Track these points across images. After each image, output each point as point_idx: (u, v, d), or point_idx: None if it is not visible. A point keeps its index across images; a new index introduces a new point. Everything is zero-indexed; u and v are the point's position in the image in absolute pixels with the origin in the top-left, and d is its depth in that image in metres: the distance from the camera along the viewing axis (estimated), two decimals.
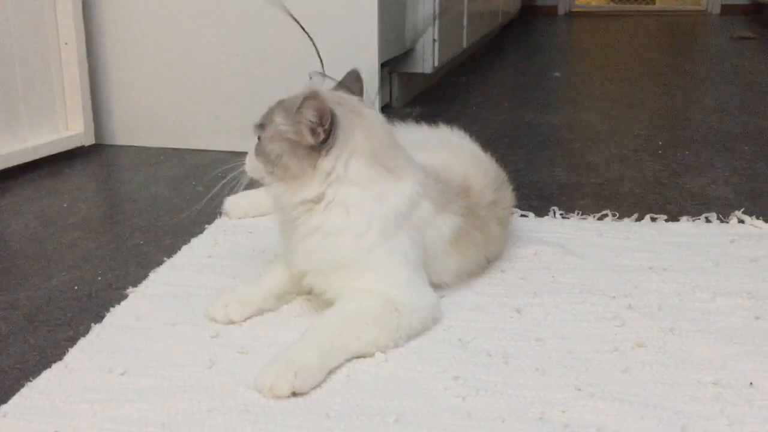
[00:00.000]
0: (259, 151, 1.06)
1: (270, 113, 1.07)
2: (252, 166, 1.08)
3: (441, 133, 1.41)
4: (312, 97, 1.01)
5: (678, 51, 4.25)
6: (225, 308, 1.09)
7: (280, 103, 1.07)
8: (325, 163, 1.03)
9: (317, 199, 1.04)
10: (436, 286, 1.15)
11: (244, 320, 1.10)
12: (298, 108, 1.02)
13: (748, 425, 0.86)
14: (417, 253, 1.09)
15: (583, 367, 0.98)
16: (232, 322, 1.09)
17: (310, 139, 1.02)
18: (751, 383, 0.93)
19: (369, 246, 1.04)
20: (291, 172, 1.04)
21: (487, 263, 1.26)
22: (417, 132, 1.42)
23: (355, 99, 1.11)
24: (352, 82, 1.14)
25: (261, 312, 1.11)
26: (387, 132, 1.10)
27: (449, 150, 1.30)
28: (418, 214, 1.09)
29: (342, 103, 1.07)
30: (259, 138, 1.08)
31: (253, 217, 1.53)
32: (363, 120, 1.07)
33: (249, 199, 1.54)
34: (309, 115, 1.01)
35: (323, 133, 1.02)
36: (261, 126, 1.07)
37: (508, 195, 1.31)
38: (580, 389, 0.92)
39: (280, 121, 1.05)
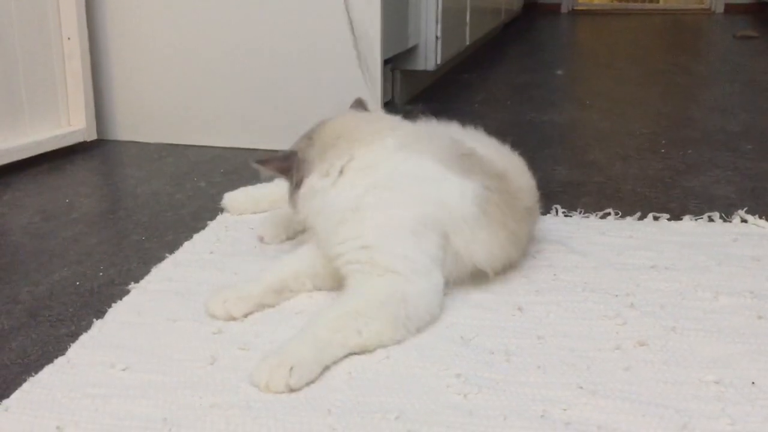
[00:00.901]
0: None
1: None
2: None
3: (490, 139, 1.37)
4: (260, 163, 1.17)
5: (681, 50, 4.24)
6: (224, 304, 1.09)
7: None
8: (306, 183, 1.15)
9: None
10: (472, 272, 1.15)
11: (244, 316, 1.10)
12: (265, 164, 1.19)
13: (750, 424, 0.85)
14: (423, 219, 1.08)
15: (585, 365, 0.98)
16: (232, 318, 1.09)
17: (291, 183, 1.17)
18: (753, 382, 0.93)
19: (361, 203, 1.09)
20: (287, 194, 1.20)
21: (518, 256, 1.24)
22: (465, 130, 1.39)
23: (333, 116, 1.20)
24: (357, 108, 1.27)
25: (261, 308, 1.12)
26: (359, 117, 1.19)
27: (496, 150, 1.30)
28: (420, 173, 1.11)
29: (308, 134, 1.19)
30: None
31: (253, 213, 1.52)
32: (325, 126, 1.18)
33: (247, 195, 1.54)
34: (271, 167, 1.18)
35: (294, 176, 1.16)
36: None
37: (538, 212, 1.33)
38: (581, 387, 0.92)
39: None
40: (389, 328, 1.01)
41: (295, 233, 1.41)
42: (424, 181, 1.11)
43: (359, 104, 1.27)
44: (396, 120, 1.22)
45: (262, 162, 1.17)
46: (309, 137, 1.18)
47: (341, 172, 1.11)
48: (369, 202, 1.09)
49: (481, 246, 1.14)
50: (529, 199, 1.25)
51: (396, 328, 1.01)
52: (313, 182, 1.13)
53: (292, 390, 0.91)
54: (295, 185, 1.15)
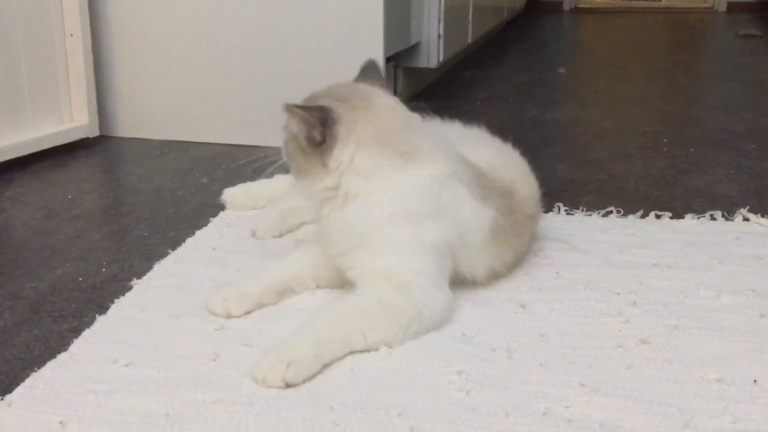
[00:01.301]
0: (284, 152, 1.14)
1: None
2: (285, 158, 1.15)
3: (492, 139, 1.36)
4: (290, 111, 1.06)
5: (684, 48, 4.24)
6: (224, 302, 1.09)
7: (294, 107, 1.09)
8: (330, 160, 1.07)
9: (335, 188, 1.08)
10: (465, 282, 1.15)
11: (244, 314, 1.09)
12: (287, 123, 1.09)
13: (752, 422, 0.85)
14: (445, 241, 1.08)
15: (587, 363, 0.98)
16: (231, 316, 1.08)
17: (306, 145, 1.07)
18: (755, 381, 0.93)
19: (384, 227, 1.06)
20: (303, 169, 1.10)
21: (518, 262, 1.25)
22: (467, 130, 1.38)
23: (368, 89, 1.12)
24: (369, 72, 1.19)
25: (260, 307, 1.11)
26: (401, 118, 1.11)
27: (499, 155, 1.27)
28: (450, 197, 1.09)
29: (349, 97, 1.08)
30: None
31: (252, 209, 1.52)
32: (369, 111, 1.08)
33: (247, 191, 1.54)
34: (294, 129, 1.07)
35: (319, 135, 1.06)
36: (285, 127, 1.12)
37: (540, 212, 1.32)
38: (584, 385, 0.92)
39: (289, 127, 1.10)
40: (397, 337, 1.01)
41: (290, 229, 1.41)
42: (453, 207, 1.09)
43: (373, 68, 1.20)
44: (431, 131, 1.16)
45: (292, 108, 1.06)
46: (346, 101, 1.08)
47: (376, 178, 1.07)
48: (397, 220, 1.06)
49: (484, 265, 1.15)
50: (531, 206, 1.25)
51: (403, 337, 1.01)
52: (344, 162, 1.06)
53: (288, 385, 0.91)
54: (319, 143, 1.06)
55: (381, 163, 1.07)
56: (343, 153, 1.06)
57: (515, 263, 1.23)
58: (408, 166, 1.07)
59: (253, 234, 1.39)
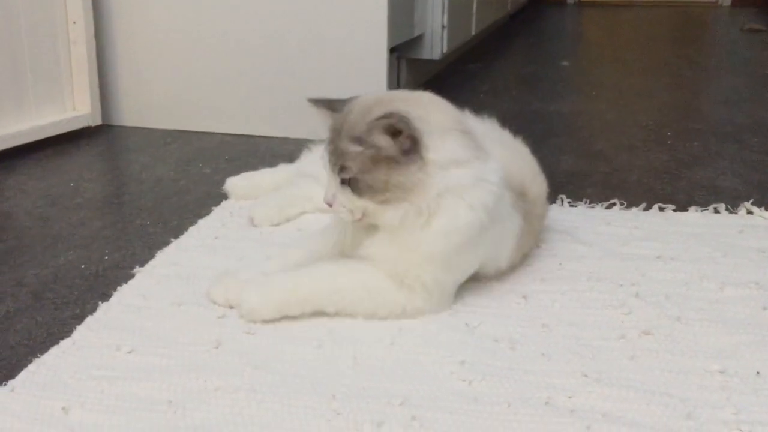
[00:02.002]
0: (362, 190, 0.98)
1: (339, 153, 0.99)
2: (354, 207, 1.00)
3: (502, 133, 1.34)
4: (372, 127, 0.96)
5: (688, 42, 4.22)
6: (226, 292, 1.09)
7: (340, 135, 1.00)
8: (432, 156, 0.97)
9: (437, 195, 0.99)
10: (484, 275, 1.15)
11: None
12: (367, 135, 0.97)
13: (754, 414, 0.85)
14: (485, 254, 1.08)
15: (590, 353, 0.98)
16: (232, 307, 1.08)
17: (396, 152, 0.97)
18: (758, 372, 0.93)
19: (461, 254, 1.03)
20: (407, 185, 0.98)
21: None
22: (476, 124, 1.33)
23: (400, 92, 1.08)
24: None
25: None
26: (454, 109, 1.07)
27: (510, 151, 1.23)
28: (503, 201, 1.06)
29: (402, 98, 1.04)
30: (344, 181, 0.99)
31: (255, 198, 1.52)
32: (430, 105, 1.03)
33: (250, 180, 1.54)
34: (385, 142, 0.96)
35: (408, 139, 0.97)
36: (342, 168, 0.99)
37: (547, 211, 1.32)
38: (586, 375, 0.92)
39: (365, 149, 0.97)
40: (366, 316, 1.04)
41: (288, 218, 1.41)
42: (504, 216, 1.07)
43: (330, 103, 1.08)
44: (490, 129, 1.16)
45: (373, 123, 0.96)
46: (402, 100, 1.02)
47: (467, 166, 1.00)
48: (473, 238, 1.02)
49: (497, 264, 1.15)
50: (541, 206, 1.24)
51: (375, 314, 1.04)
52: (442, 155, 0.98)
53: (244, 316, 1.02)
54: (409, 149, 0.97)
55: (468, 148, 1.00)
56: (437, 143, 0.98)
57: (521, 261, 1.23)
58: (482, 156, 1.02)
59: (251, 221, 1.39)
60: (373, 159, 0.97)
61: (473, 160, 1.00)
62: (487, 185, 1.01)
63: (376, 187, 0.98)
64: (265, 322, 1.03)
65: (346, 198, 1.00)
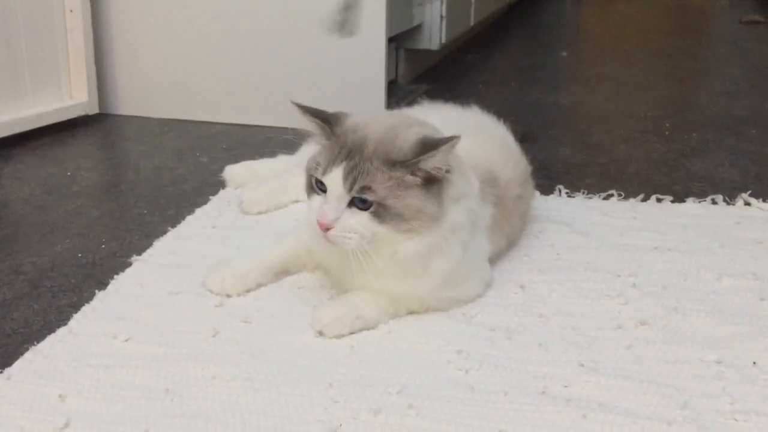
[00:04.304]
0: (387, 216, 0.92)
1: (361, 173, 0.91)
2: (368, 233, 0.92)
3: (474, 117, 1.34)
4: (438, 150, 0.91)
5: (687, 34, 4.21)
6: (222, 282, 1.09)
7: (363, 155, 0.92)
8: (453, 189, 0.97)
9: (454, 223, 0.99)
10: None
11: (241, 294, 1.09)
12: (413, 159, 0.91)
13: (750, 404, 0.86)
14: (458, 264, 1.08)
15: (587, 343, 0.98)
16: (228, 296, 1.08)
17: (440, 174, 0.94)
18: (754, 363, 0.93)
19: (469, 281, 1.07)
20: (436, 216, 0.94)
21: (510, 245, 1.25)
22: (449, 112, 1.35)
23: (393, 112, 1.13)
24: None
25: (258, 287, 1.11)
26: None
27: (476, 135, 1.20)
28: (478, 216, 1.07)
29: (421, 123, 1.03)
30: (365, 202, 0.92)
31: None
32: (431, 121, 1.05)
33: (248, 168, 1.53)
34: (439, 164, 0.92)
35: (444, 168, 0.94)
36: (363, 189, 0.91)
37: (531, 190, 1.31)
38: (583, 365, 0.93)
39: (402, 174, 0.92)
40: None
41: (278, 205, 1.40)
42: (477, 235, 1.08)
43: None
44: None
45: (429, 148, 0.91)
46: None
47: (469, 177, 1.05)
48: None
49: None
50: (517, 187, 1.21)
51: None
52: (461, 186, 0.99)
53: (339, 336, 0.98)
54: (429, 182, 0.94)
55: (467, 181, 1.03)
56: (462, 175, 1.00)
57: (509, 246, 1.22)
58: (472, 183, 1.05)
59: (240, 206, 1.39)
60: (407, 184, 0.91)
61: (469, 193, 1.02)
62: (474, 216, 1.03)
63: (405, 215, 0.92)
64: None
65: (357, 222, 0.92)
